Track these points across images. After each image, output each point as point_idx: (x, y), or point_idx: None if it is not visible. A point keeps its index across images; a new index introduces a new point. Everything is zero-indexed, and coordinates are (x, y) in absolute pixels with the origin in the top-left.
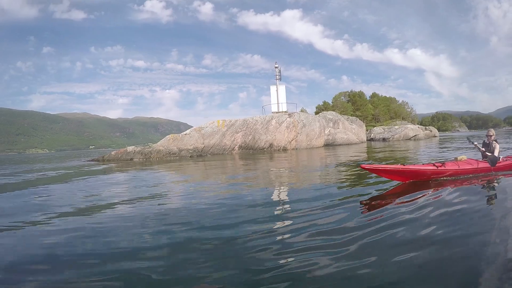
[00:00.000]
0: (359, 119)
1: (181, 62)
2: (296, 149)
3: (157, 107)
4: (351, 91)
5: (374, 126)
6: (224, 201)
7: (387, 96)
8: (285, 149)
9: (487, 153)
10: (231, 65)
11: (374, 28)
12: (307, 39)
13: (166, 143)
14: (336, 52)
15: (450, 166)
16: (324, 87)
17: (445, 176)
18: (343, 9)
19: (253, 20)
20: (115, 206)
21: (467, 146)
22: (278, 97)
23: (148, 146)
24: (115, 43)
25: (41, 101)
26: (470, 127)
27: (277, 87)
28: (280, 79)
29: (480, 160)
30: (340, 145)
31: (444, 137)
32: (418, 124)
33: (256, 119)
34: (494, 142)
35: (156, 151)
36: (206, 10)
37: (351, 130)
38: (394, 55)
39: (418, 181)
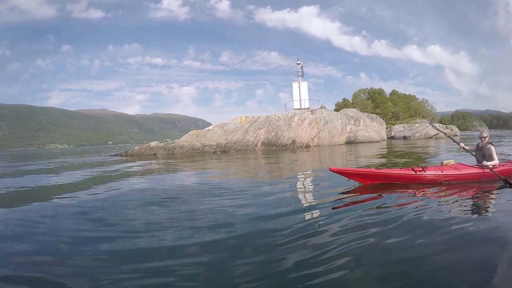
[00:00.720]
0: (379, 116)
1: (199, 59)
2: (319, 146)
3: (175, 104)
4: (371, 88)
5: (393, 124)
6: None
7: (407, 93)
8: (307, 146)
9: (480, 158)
10: (248, 62)
11: (392, 24)
12: (324, 35)
13: (189, 138)
14: (354, 48)
15: (431, 172)
16: (341, 84)
17: (425, 182)
18: (360, 5)
19: (270, 17)
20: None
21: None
22: (300, 94)
23: (171, 142)
24: (133, 41)
25: (60, 97)
26: (490, 126)
27: (299, 84)
28: (302, 76)
29: (473, 165)
30: (361, 142)
31: (465, 136)
32: (438, 122)
33: (279, 115)
34: (489, 145)
35: (180, 147)
36: (223, 7)
37: (372, 128)
38: (412, 52)
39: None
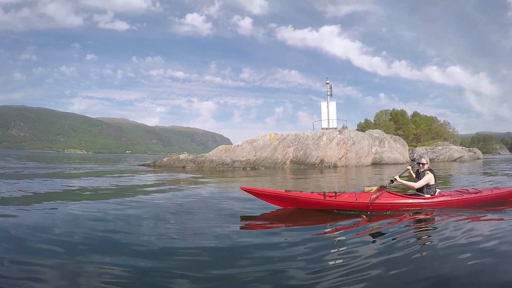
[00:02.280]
0: (401, 138)
1: (219, 75)
2: (346, 166)
3: (194, 118)
4: (393, 110)
5: (415, 146)
6: None
7: (428, 115)
8: (335, 166)
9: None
10: (269, 80)
11: (412, 44)
12: (345, 55)
13: (218, 153)
14: (374, 69)
15: (343, 198)
16: (361, 105)
17: (338, 209)
18: (380, 25)
19: (292, 35)
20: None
21: None
22: (328, 113)
23: (200, 156)
24: (156, 54)
25: (82, 104)
26: (511, 149)
27: (327, 103)
28: (331, 95)
29: (407, 194)
30: (386, 164)
31: (488, 159)
32: (459, 145)
33: (308, 134)
34: (427, 172)
35: (209, 161)
36: (246, 24)
37: (396, 149)
38: (433, 73)
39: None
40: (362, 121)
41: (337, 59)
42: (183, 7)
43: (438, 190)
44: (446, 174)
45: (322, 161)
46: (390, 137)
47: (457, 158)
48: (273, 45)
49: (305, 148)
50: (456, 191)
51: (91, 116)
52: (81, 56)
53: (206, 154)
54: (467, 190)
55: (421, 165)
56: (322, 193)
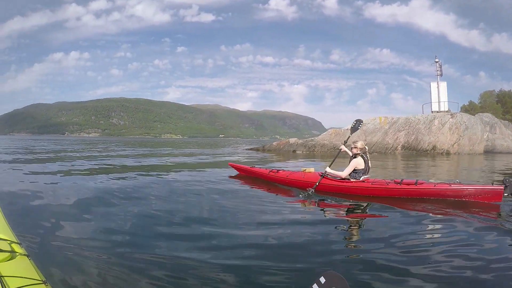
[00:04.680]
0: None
1: (309, 58)
2: (458, 153)
3: (285, 102)
4: (501, 90)
5: None
6: None
7: None
8: (447, 153)
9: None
10: (360, 60)
11: None
12: (438, 30)
13: (328, 137)
14: (471, 44)
15: (280, 174)
16: (459, 84)
17: (282, 183)
18: None
19: (380, 12)
20: None
21: None
22: (439, 95)
23: (310, 139)
24: (244, 41)
25: (176, 93)
26: None
27: (437, 84)
28: (441, 75)
29: (333, 178)
30: (499, 152)
31: None
32: None
33: (418, 118)
34: (358, 156)
35: (320, 145)
36: (330, 4)
37: (508, 136)
38: None
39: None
40: (466, 103)
41: (430, 34)
42: None
43: (366, 177)
44: None
45: (434, 147)
46: (500, 122)
47: None
48: (362, 24)
49: (417, 133)
50: (392, 180)
51: (185, 104)
52: (172, 49)
53: (316, 138)
54: (401, 180)
55: (353, 149)
56: (269, 170)
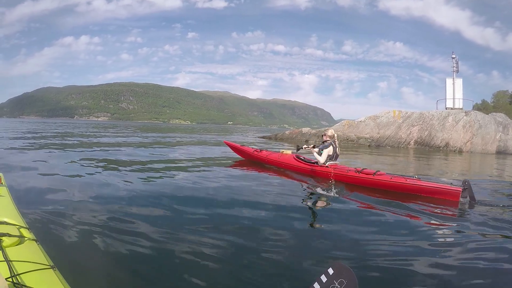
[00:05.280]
0: None
1: (321, 48)
2: (471, 152)
3: (295, 91)
4: None
5: None
6: None
7: None
8: (460, 151)
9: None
10: (372, 52)
11: None
12: (453, 26)
13: (342, 128)
14: (486, 42)
15: (262, 154)
16: (471, 83)
17: (262, 162)
18: None
19: (394, 4)
20: None
21: None
22: (454, 92)
23: (324, 130)
24: (256, 29)
25: (186, 79)
26: None
27: (453, 81)
28: (457, 72)
29: (303, 160)
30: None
31: None
32: None
33: (432, 113)
34: (329, 143)
35: None
36: None
37: None
38: None
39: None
40: (478, 101)
41: (445, 30)
42: None
43: (334, 162)
44: None
45: (447, 144)
46: None
47: None
48: (376, 16)
49: (430, 129)
50: (354, 168)
51: (194, 90)
52: (182, 35)
53: (329, 128)
54: (361, 169)
55: (324, 136)
56: (253, 149)
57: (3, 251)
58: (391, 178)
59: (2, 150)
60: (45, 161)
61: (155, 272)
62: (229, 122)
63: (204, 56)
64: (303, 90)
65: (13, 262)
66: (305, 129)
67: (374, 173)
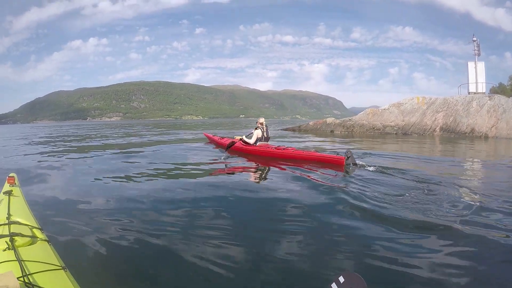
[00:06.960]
0: None
1: (329, 36)
2: (496, 137)
3: (306, 81)
4: None
5: None
6: None
7: None
8: (486, 137)
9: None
10: (381, 39)
11: None
12: (464, 7)
13: (366, 117)
14: (497, 23)
15: (223, 141)
16: (484, 65)
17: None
18: None
19: None
20: None
21: None
22: (476, 76)
23: (348, 119)
24: (263, 20)
25: (196, 74)
26: None
27: (475, 64)
28: (479, 55)
29: (245, 143)
30: None
31: None
32: None
33: (456, 99)
34: (259, 128)
35: (359, 125)
36: None
37: None
38: None
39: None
40: (494, 84)
41: (455, 12)
42: None
43: (263, 143)
44: None
45: (472, 130)
46: None
47: None
48: (383, 1)
49: (455, 115)
50: (274, 146)
51: (205, 85)
52: (190, 31)
53: (354, 117)
54: (277, 146)
55: (257, 123)
56: (219, 137)
57: (15, 251)
58: (293, 152)
59: (17, 153)
60: (58, 164)
61: (166, 274)
62: (241, 116)
63: (212, 51)
64: (314, 79)
65: (25, 262)
66: (329, 119)
67: (283, 148)
